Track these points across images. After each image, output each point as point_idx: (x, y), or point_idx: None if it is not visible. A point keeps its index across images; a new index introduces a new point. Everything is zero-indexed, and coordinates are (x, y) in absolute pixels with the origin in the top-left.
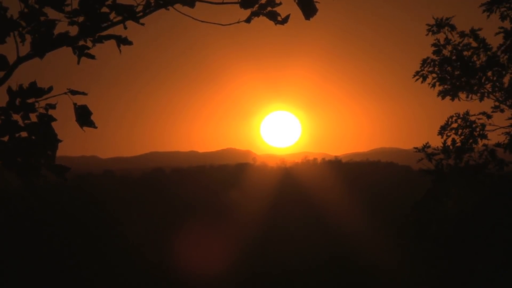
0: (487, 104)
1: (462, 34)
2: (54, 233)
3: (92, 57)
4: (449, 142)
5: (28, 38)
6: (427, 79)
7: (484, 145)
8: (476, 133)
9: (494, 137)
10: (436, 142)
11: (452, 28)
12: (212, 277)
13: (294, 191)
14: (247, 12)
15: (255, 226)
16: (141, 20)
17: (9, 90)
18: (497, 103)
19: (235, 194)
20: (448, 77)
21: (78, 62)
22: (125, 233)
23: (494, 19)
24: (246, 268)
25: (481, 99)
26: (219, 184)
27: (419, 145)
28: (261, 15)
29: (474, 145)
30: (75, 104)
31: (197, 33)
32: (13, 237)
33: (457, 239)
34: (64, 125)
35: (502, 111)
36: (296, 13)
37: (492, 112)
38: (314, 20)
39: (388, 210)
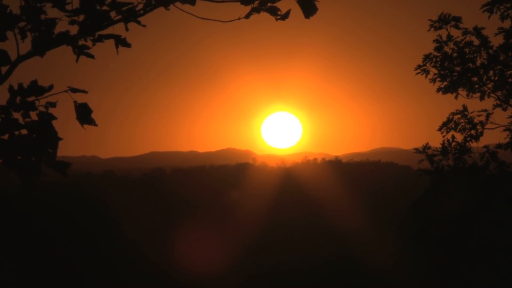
0: (488, 103)
1: (465, 32)
2: (55, 233)
3: (91, 56)
4: (449, 136)
5: (29, 36)
6: (429, 74)
7: (485, 146)
8: (474, 132)
9: (495, 134)
10: (436, 141)
11: (458, 21)
12: (213, 276)
13: (294, 191)
14: (248, 9)
15: (255, 226)
16: (142, 19)
17: (11, 89)
18: (498, 102)
19: (235, 194)
20: (449, 74)
21: (77, 60)
22: (125, 233)
23: (494, 21)
24: (246, 267)
25: (481, 98)
26: (219, 184)
27: (419, 145)
28: (261, 11)
29: (474, 142)
30: (75, 102)
31: (198, 34)
32: (13, 237)
33: (456, 239)
34: (65, 125)
35: (505, 109)
36: (297, 14)
37: (494, 109)
38: (314, 22)
39: (388, 210)
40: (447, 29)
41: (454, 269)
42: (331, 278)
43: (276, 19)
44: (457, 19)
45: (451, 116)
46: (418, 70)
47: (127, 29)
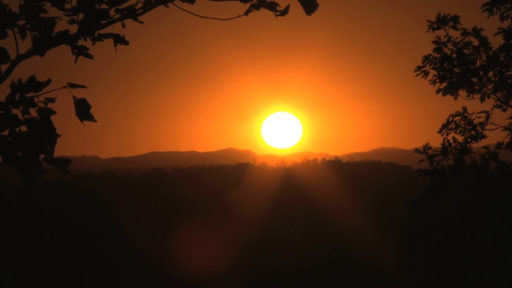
0: (488, 104)
1: (464, 32)
2: (55, 233)
3: (90, 56)
4: (449, 138)
5: (29, 35)
6: (428, 75)
7: (486, 147)
8: (473, 132)
9: (496, 135)
10: (436, 141)
11: (456, 21)
12: (213, 275)
13: (294, 191)
14: (247, 7)
15: (255, 226)
16: (142, 18)
17: (13, 85)
18: (498, 103)
19: (235, 194)
20: (448, 75)
21: (76, 61)
22: (125, 233)
23: (494, 21)
24: (247, 267)
25: (482, 99)
26: (219, 184)
27: (419, 145)
28: (260, 8)
29: (474, 143)
30: (74, 98)
31: (198, 34)
32: (13, 237)
33: (456, 240)
34: (65, 125)
35: (504, 110)
36: (297, 14)
37: (493, 109)
38: (314, 22)
39: (388, 210)
40: (445, 30)
41: (454, 269)
42: (331, 277)
43: (276, 15)
44: (455, 19)
45: (450, 118)
46: (418, 72)
47: (123, 26)
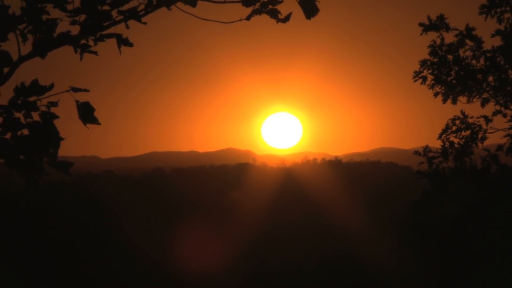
0: (488, 108)
1: (459, 34)
2: (55, 233)
3: (94, 53)
4: (449, 140)
5: (30, 38)
6: (427, 81)
7: (487, 150)
8: (474, 136)
9: (495, 137)
10: (436, 142)
11: (443, 20)
12: (213, 275)
13: (295, 191)
14: (249, 11)
15: (255, 226)
16: (143, 19)
17: (17, 89)
18: (498, 107)
19: (235, 194)
20: (445, 77)
21: (81, 59)
22: (125, 233)
23: (492, 21)
24: (247, 266)
25: (482, 104)
26: (219, 184)
27: (419, 145)
28: (262, 13)
29: (474, 146)
30: (77, 102)
31: (199, 34)
32: (13, 237)
33: (456, 241)
34: (65, 125)
35: (504, 116)
36: (297, 15)
37: (493, 116)
38: (314, 23)
39: (388, 210)
40: (440, 32)
41: (453, 271)
42: (332, 277)
43: (277, 22)
44: (441, 18)
45: (449, 123)
46: (416, 78)
47: (127, 27)
